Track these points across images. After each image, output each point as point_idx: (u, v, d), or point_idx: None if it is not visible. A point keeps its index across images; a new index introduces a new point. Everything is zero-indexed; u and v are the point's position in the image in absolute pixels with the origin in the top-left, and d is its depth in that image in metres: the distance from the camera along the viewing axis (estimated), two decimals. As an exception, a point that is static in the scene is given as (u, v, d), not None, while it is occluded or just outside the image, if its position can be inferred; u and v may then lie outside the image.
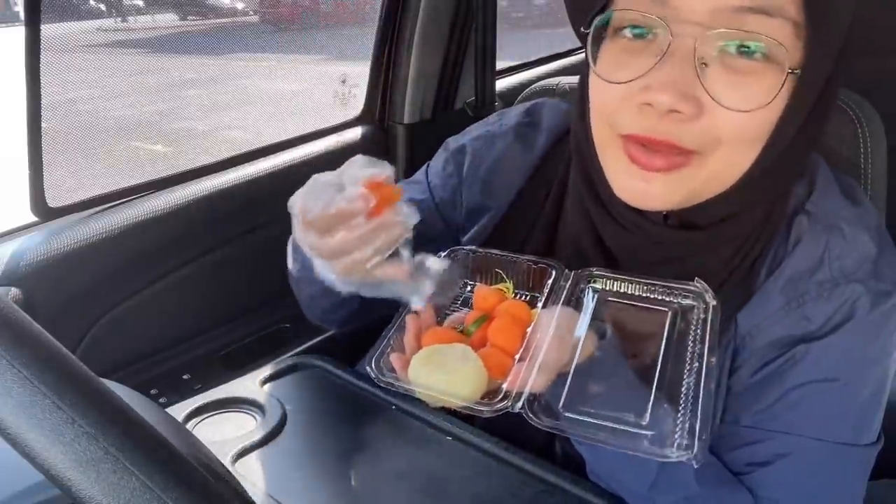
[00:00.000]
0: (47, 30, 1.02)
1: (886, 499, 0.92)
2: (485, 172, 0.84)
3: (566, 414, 0.54)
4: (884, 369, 0.67)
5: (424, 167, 0.91)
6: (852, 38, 0.62)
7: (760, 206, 0.66)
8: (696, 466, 0.49)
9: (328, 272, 0.63)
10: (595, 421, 0.54)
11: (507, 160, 0.83)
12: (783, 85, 0.57)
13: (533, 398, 0.55)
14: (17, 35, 1.01)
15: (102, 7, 3.41)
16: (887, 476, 0.84)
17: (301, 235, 0.62)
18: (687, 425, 0.51)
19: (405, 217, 0.60)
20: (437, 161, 0.89)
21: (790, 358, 0.65)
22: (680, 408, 0.54)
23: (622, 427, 0.53)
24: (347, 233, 0.59)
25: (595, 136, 0.66)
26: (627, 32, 0.61)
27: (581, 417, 0.54)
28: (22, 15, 0.99)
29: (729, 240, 0.67)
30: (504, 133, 0.85)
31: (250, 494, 0.49)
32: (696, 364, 0.56)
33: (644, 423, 0.53)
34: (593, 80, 0.64)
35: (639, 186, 0.62)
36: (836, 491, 0.67)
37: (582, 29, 0.64)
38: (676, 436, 0.51)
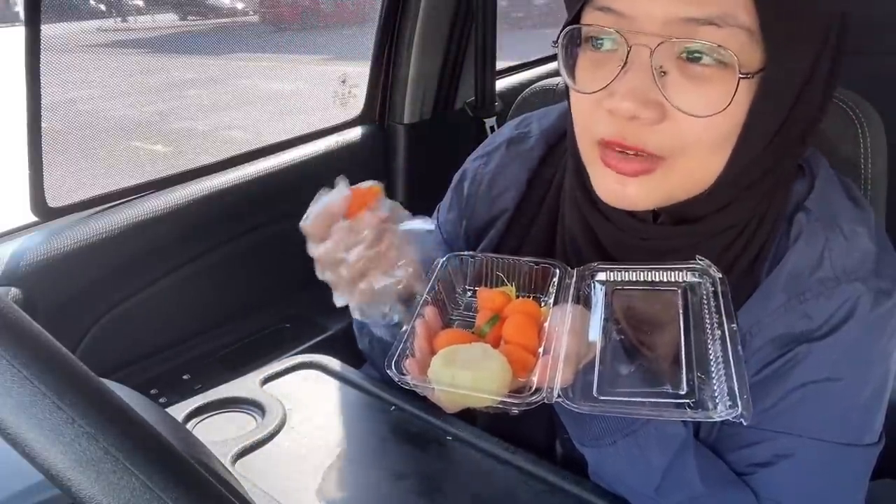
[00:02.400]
0: (47, 30, 1.02)
1: (886, 499, 0.92)
2: (486, 188, 0.86)
3: (603, 397, 0.55)
4: (885, 368, 0.67)
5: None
6: (848, 40, 0.62)
7: (751, 199, 0.67)
8: (744, 423, 0.49)
9: (337, 294, 0.68)
10: (634, 399, 0.54)
11: (505, 170, 0.85)
12: (736, 90, 0.57)
13: (566, 387, 0.55)
14: (17, 35, 1.01)
15: (102, 7, 3.40)
16: (887, 476, 0.84)
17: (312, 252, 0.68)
18: (725, 387, 0.52)
19: (388, 213, 0.66)
20: (445, 197, 0.92)
21: (792, 358, 0.65)
22: (713, 374, 0.54)
23: (662, 400, 0.54)
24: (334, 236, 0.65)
25: (578, 143, 0.68)
26: (593, 44, 0.63)
27: (619, 398, 0.55)
28: (22, 15, 0.99)
29: (724, 230, 0.68)
30: (498, 146, 0.87)
31: (250, 494, 0.49)
32: (718, 332, 0.57)
33: (682, 393, 0.54)
34: (571, 91, 0.66)
35: (615, 189, 0.64)
36: (839, 491, 0.67)
37: (552, 43, 0.66)
38: (717, 398, 0.52)
